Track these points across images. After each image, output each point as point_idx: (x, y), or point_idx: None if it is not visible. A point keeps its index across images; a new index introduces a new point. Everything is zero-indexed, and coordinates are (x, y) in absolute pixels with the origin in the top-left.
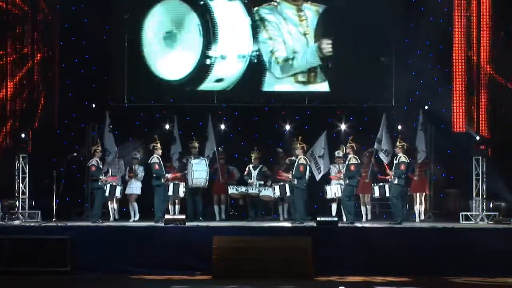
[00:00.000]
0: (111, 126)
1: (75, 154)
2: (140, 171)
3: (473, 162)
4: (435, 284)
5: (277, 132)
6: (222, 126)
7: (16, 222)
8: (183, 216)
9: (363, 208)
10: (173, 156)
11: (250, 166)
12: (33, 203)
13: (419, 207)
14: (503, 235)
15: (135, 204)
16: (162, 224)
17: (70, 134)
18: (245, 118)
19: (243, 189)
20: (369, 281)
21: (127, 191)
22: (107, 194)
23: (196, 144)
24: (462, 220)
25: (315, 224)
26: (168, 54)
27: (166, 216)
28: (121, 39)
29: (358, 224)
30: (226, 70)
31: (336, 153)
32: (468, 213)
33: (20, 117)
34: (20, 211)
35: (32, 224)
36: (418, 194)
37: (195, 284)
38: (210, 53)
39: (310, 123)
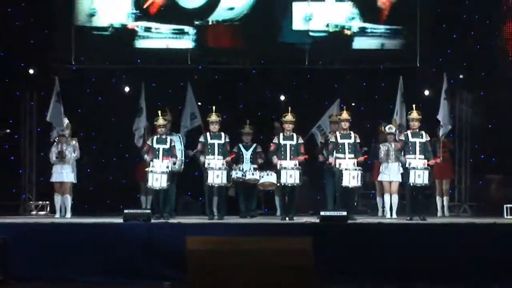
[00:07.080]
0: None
1: (8, 130)
2: (69, 152)
3: None
4: None
5: (269, 102)
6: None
7: None
8: (148, 211)
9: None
10: (136, 132)
11: (240, 145)
12: None
13: (443, 198)
14: None
15: (68, 197)
16: (121, 221)
17: (1, 105)
18: (227, 84)
19: (238, 174)
20: None
21: (54, 179)
22: None
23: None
24: (507, 215)
25: (317, 220)
26: None
27: (126, 211)
28: None
29: (370, 220)
30: None
31: (387, 128)
32: None
33: None
34: None
35: None
36: (443, 182)
37: None
38: None
39: (310, 91)
